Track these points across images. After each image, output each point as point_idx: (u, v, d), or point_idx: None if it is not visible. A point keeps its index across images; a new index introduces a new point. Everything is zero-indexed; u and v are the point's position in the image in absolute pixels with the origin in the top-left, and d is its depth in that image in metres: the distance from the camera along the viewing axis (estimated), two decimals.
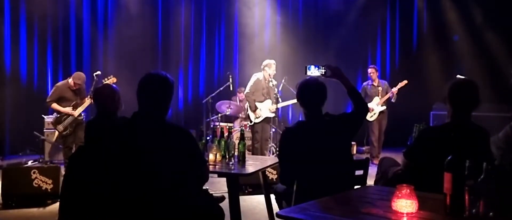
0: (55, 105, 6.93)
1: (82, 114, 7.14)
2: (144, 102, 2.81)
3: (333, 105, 3.92)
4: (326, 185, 2.87)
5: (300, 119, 9.97)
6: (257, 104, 7.49)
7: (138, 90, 2.81)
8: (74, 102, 6.93)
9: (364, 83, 8.88)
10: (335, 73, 3.35)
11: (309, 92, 3.27)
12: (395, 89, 8.35)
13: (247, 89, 7.57)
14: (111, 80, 6.90)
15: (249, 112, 7.67)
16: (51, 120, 7.22)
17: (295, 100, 7.79)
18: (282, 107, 7.97)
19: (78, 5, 9.98)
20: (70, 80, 7.02)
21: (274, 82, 7.56)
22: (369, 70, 8.70)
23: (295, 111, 10.88)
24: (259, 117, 7.49)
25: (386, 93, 8.44)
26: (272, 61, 7.51)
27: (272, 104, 7.51)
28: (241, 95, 9.34)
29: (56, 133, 7.09)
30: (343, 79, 3.35)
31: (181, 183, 2.78)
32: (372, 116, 8.46)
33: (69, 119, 6.88)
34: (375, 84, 8.54)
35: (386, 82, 8.75)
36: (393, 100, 8.46)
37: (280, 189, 3.73)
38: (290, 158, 3.18)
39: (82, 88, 7.12)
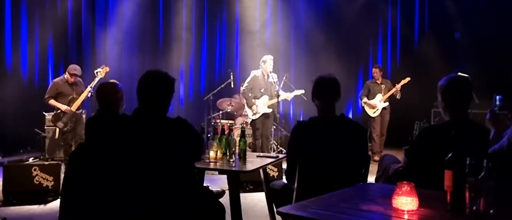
0: (52, 102, 6.95)
1: (82, 110, 7.15)
2: (145, 100, 2.82)
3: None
4: (329, 183, 2.86)
5: (301, 117, 9.90)
6: (254, 100, 7.51)
7: (139, 88, 2.83)
8: (70, 97, 6.94)
9: (368, 81, 9.01)
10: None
11: (325, 86, 3.25)
12: (398, 86, 8.39)
13: (244, 86, 7.59)
14: (103, 70, 6.95)
15: (246, 109, 7.70)
16: (50, 118, 7.23)
17: (296, 92, 7.85)
18: (283, 105, 7.98)
19: (78, 1, 9.98)
20: (66, 74, 7.05)
21: (275, 80, 7.55)
22: (373, 70, 8.76)
23: (296, 107, 10.87)
24: (256, 113, 7.50)
25: (389, 90, 8.48)
26: (269, 57, 7.50)
27: (269, 100, 7.52)
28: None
29: (57, 130, 7.09)
30: None
31: (184, 178, 2.79)
32: (375, 112, 8.51)
33: (68, 115, 6.89)
34: (378, 82, 8.60)
35: (388, 81, 8.80)
36: (398, 97, 8.48)
37: (277, 186, 3.74)
38: (299, 152, 3.17)
39: (79, 82, 7.14)
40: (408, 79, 8.45)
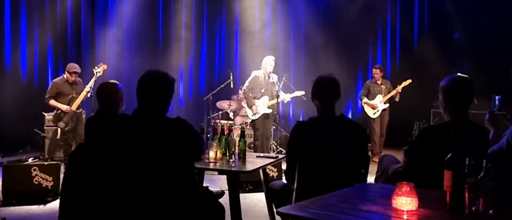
0: (53, 102, 6.95)
1: (82, 109, 7.14)
2: (145, 100, 2.82)
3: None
4: (329, 183, 2.86)
5: (301, 117, 9.85)
6: (254, 101, 7.51)
7: (138, 88, 2.83)
8: (70, 96, 6.94)
9: (368, 81, 8.98)
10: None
11: (324, 86, 3.25)
12: (399, 88, 8.37)
13: (245, 86, 7.59)
14: (102, 68, 6.95)
15: (247, 109, 7.70)
16: (51, 118, 7.23)
17: (296, 94, 7.84)
18: (283, 105, 7.95)
19: (78, 1, 9.98)
20: (65, 74, 7.04)
21: (275, 80, 7.56)
22: (374, 71, 8.73)
23: (296, 108, 10.88)
24: (256, 113, 7.51)
25: (389, 92, 8.46)
26: (270, 57, 7.52)
27: (269, 100, 7.52)
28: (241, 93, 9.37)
29: (58, 130, 7.08)
30: None
31: (183, 178, 2.79)
32: (375, 113, 8.50)
33: (69, 114, 6.89)
34: (379, 83, 8.58)
35: (388, 82, 8.78)
36: (397, 99, 8.46)
37: (276, 186, 3.74)
38: (299, 152, 3.17)
39: (78, 81, 7.14)
40: (409, 81, 8.42)
